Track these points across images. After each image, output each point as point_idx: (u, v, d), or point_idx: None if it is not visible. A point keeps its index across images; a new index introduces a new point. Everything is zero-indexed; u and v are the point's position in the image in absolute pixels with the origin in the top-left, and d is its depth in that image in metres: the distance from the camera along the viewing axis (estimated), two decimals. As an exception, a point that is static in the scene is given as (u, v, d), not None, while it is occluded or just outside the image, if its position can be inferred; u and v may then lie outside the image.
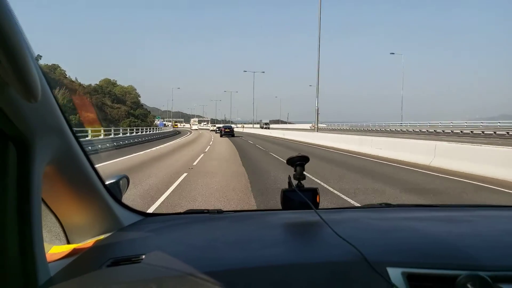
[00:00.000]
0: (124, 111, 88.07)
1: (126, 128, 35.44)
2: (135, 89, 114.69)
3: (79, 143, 0.94)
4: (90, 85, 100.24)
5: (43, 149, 0.74)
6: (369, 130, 58.67)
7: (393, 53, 57.20)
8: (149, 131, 39.83)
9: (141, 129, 37.50)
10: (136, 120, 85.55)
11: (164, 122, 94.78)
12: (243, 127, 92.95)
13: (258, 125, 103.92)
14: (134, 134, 31.79)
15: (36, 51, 0.67)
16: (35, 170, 0.70)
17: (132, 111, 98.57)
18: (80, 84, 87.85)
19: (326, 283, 0.75)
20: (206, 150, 19.49)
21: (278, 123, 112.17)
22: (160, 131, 45.51)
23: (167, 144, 26.18)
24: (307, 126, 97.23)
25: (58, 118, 0.81)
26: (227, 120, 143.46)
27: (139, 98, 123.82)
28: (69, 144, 0.88)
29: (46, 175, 0.80)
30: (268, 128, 78.22)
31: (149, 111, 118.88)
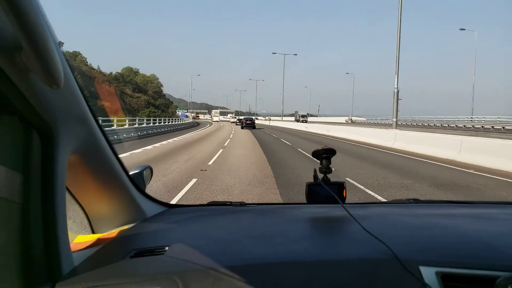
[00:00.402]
0: (144, 100, 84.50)
1: (142, 118, 33.21)
2: (157, 78, 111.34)
3: (103, 132, 0.93)
4: (111, 73, 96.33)
5: (67, 138, 0.74)
6: (430, 125, 46.23)
7: (463, 29, 46.69)
8: (168, 122, 37.87)
9: (159, 120, 35.57)
10: (156, 111, 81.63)
11: (186, 113, 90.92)
12: (270, 119, 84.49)
13: (288, 118, 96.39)
14: (151, 124, 30.07)
15: (58, 37, 0.65)
16: (59, 158, 0.70)
17: (152, 100, 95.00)
18: (100, 72, 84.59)
19: (355, 281, 0.73)
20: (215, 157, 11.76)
21: (307, 116, 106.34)
22: (178, 123, 43.19)
23: (183, 136, 23.58)
24: (342, 119, 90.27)
25: (81, 106, 0.80)
26: (251, 112, 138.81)
27: (162, 88, 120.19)
28: (93, 133, 0.88)
29: (71, 164, 0.80)
30: (306, 122, 66.21)
31: (171, 101, 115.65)
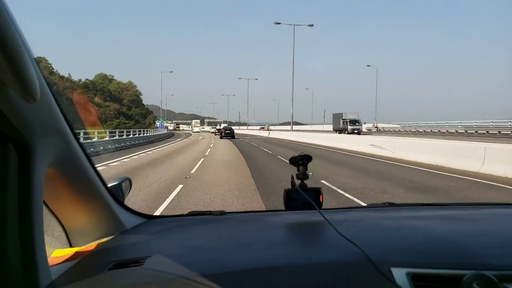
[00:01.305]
0: (114, 110, 74.23)
1: (104, 130, 28.79)
2: (135, 86, 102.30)
3: (81, 145, 0.93)
4: (80, 80, 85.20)
5: (44, 151, 0.73)
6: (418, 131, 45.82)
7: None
8: (138, 134, 34.64)
9: (127, 132, 32.18)
10: (127, 121, 71.49)
11: (164, 124, 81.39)
12: (268, 129, 66.10)
13: (284, 127, 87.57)
14: (114, 138, 26.07)
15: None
16: (36, 172, 0.70)
17: (125, 110, 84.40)
18: (61, 77, 73.26)
19: (330, 283, 0.75)
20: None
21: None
22: (148, 134, 39.41)
23: (143, 154, 17.97)
24: (319, 127, 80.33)
25: (58, 119, 0.79)
26: (241, 122, 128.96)
27: (140, 96, 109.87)
28: (71, 145, 0.87)
29: (48, 178, 0.79)
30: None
31: (151, 111, 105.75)
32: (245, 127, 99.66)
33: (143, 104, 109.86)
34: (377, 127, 56.96)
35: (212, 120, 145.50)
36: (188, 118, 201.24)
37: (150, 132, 43.73)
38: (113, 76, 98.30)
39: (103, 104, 73.79)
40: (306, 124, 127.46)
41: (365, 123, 55.77)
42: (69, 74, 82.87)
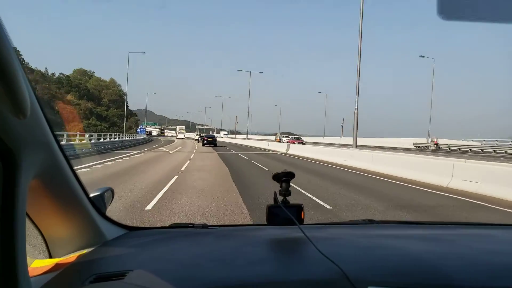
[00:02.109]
0: (85, 109, 64.87)
1: (62, 133, 22.91)
2: (118, 85, 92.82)
3: (65, 156, 0.94)
4: (53, 74, 75.31)
5: (30, 163, 0.74)
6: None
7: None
8: (104, 139, 30.46)
9: (98, 135, 29.25)
10: (99, 123, 62.03)
11: (146, 129, 72.85)
12: (279, 140, 56.74)
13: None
14: (77, 142, 23.24)
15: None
16: (21, 184, 0.70)
17: (99, 110, 74.88)
18: (30, 70, 63.70)
19: None
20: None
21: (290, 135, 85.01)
22: (117, 139, 34.78)
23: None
24: (335, 140, 67.89)
25: (45, 133, 0.81)
26: (235, 130, 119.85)
27: (124, 97, 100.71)
28: (56, 158, 0.89)
29: (31, 189, 0.80)
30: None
31: (135, 114, 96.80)
32: (242, 136, 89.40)
33: (127, 105, 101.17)
34: (437, 144, 43.58)
35: (204, 127, 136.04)
36: (182, 125, 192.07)
37: (123, 137, 39.53)
38: (93, 72, 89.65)
39: (73, 102, 64.91)
40: (312, 136, 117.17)
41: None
42: (45, 68, 73.71)
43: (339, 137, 71.05)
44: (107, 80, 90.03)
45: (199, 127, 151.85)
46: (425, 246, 1.11)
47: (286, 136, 63.72)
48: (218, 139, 52.86)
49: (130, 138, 43.65)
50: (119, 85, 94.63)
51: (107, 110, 79.33)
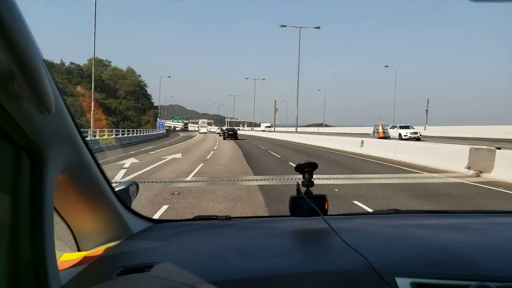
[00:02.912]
0: (89, 101, 55.05)
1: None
2: (136, 74, 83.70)
3: (91, 151, 0.96)
4: (63, 63, 65.66)
5: (56, 159, 0.75)
6: None
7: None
8: (115, 134, 29.33)
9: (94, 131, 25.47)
10: (107, 117, 51.79)
11: (164, 123, 63.61)
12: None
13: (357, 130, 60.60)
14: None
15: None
16: (48, 179, 0.72)
17: (111, 102, 64.91)
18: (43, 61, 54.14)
19: None
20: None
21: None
22: (125, 136, 31.56)
23: None
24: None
25: (70, 129, 0.82)
26: (264, 123, 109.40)
27: (145, 88, 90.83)
28: (81, 153, 0.90)
29: (58, 184, 0.82)
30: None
31: (156, 107, 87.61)
32: (287, 130, 78.25)
33: (148, 96, 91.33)
34: (384, 133, 31.96)
35: (234, 120, 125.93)
36: (208, 117, 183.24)
37: (135, 133, 36.80)
38: (110, 62, 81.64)
39: (78, 94, 56.02)
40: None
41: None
42: (61, 60, 65.69)
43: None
44: (124, 70, 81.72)
45: (229, 120, 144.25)
46: (454, 236, 1.08)
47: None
48: (253, 133, 56.67)
49: (139, 134, 39.19)
50: (139, 75, 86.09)
51: (120, 102, 69.75)
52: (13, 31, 0.49)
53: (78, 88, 59.23)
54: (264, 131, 76.96)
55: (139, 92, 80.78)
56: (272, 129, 74.49)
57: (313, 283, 0.77)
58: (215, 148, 22.23)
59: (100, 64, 79.21)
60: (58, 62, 66.09)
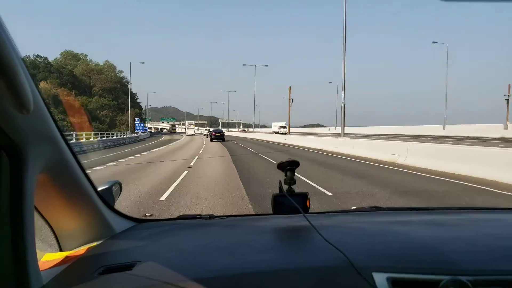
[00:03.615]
0: (47, 96, 46.14)
1: None
2: (115, 69, 74.84)
3: (72, 151, 0.95)
4: (27, 57, 55.84)
5: (36, 158, 0.75)
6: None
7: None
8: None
9: None
10: (67, 116, 42.98)
11: (146, 126, 55.48)
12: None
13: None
14: None
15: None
16: (28, 178, 0.71)
17: (82, 100, 55.79)
18: None
19: None
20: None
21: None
22: (89, 141, 26.19)
23: None
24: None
25: (50, 128, 0.82)
26: (261, 124, 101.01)
27: (127, 84, 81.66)
28: (62, 152, 0.90)
29: (39, 183, 0.81)
30: None
31: (139, 107, 78.90)
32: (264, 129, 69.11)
33: (131, 94, 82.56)
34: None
35: (229, 121, 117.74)
36: (202, 119, 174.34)
37: (96, 137, 29.97)
38: (86, 55, 72.92)
39: (41, 89, 47.26)
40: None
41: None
42: (33, 55, 56.82)
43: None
44: (101, 64, 73.07)
45: (223, 121, 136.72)
46: (431, 232, 1.11)
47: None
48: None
49: (102, 138, 31.32)
50: (120, 71, 77.49)
51: (90, 100, 60.84)
52: None
53: (42, 84, 50.52)
54: (277, 132, 60.16)
55: (119, 90, 72.25)
56: (285, 130, 60.67)
57: (293, 279, 0.79)
58: (191, 165, 12.59)
59: (75, 58, 70.53)
60: (23, 55, 57.76)
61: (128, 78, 76.87)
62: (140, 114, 73.74)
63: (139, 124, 56.18)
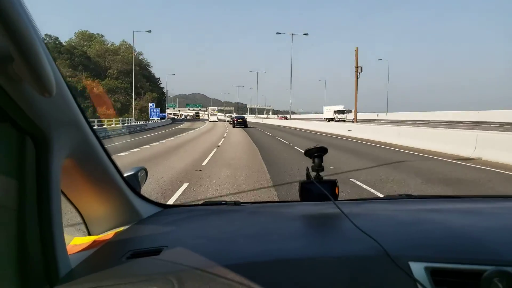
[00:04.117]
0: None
1: None
2: (131, 49, 68.46)
3: (97, 136, 0.95)
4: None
5: (61, 143, 0.75)
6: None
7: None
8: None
9: None
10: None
11: (166, 113, 50.19)
12: None
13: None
14: None
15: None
16: (54, 163, 0.72)
17: (76, 82, 49.32)
18: None
19: (347, 278, 0.75)
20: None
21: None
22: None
23: None
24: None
25: (74, 112, 0.81)
26: (290, 111, 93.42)
27: (148, 68, 75.36)
28: (87, 137, 0.89)
29: (65, 168, 0.82)
30: None
31: (161, 92, 73.01)
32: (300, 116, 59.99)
33: (152, 78, 76.46)
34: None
35: (257, 107, 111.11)
36: (230, 105, 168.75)
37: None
38: (103, 35, 67.52)
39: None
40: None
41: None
42: (43, 34, 51.65)
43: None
44: (117, 44, 67.33)
45: (251, 107, 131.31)
46: (468, 220, 1.05)
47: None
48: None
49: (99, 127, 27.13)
50: (140, 53, 71.65)
51: (100, 82, 54.89)
52: (10, 11, 0.48)
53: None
54: (331, 120, 46.79)
55: (138, 72, 66.48)
56: (345, 116, 46.94)
57: (326, 267, 0.76)
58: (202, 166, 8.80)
59: (91, 38, 65.16)
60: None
61: (147, 61, 70.76)
62: (159, 98, 67.84)
63: (154, 110, 49.92)
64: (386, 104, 62.73)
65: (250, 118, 75.87)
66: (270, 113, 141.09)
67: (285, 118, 66.95)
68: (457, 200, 1.42)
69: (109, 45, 66.87)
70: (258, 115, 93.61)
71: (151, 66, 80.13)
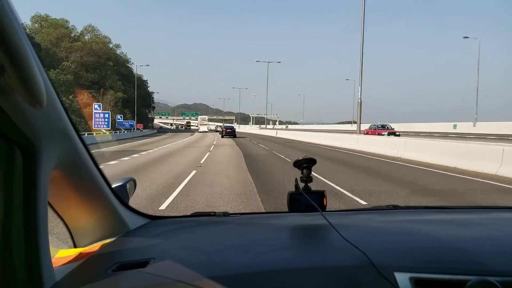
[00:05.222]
0: None
1: None
2: (103, 38, 54.32)
3: (86, 147, 0.95)
4: None
5: (50, 154, 0.74)
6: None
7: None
8: None
9: None
10: None
11: (130, 122, 35.24)
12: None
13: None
14: None
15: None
16: (42, 174, 0.71)
17: None
18: None
19: None
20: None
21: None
22: None
23: None
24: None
25: (64, 123, 0.81)
26: (292, 121, 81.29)
27: (129, 66, 60.69)
28: (76, 148, 0.89)
29: (53, 179, 0.81)
30: None
31: (148, 96, 59.02)
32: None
33: (132, 76, 61.56)
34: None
35: (261, 116, 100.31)
36: (231, 115, 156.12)
37: None
38: (68, 21, 53.14)
39: None
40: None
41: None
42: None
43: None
44: (79, 30, 52.99)
45: (254, 116, 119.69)
46: (453, 231, 1.07)
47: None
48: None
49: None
50: (117, 45, 57.81)
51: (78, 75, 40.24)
52: (3, 23, 0.47)
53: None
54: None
55: (110, 68, 51.81)
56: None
57: (312, 278, 0.76)
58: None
59: (51, 25, 50.88)
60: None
61: (126, 54, 56.71)
62: (133, 101, 53.34)
63: (120, 121, 35.31)
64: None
65: (252, 130, 71.92)
66: (277, 123, 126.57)
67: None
68: (443, 211, 1.44)
69: (65, 29, 50.76)
70: (262, 126, 79.73)
71: (132, 63, 65.79)
